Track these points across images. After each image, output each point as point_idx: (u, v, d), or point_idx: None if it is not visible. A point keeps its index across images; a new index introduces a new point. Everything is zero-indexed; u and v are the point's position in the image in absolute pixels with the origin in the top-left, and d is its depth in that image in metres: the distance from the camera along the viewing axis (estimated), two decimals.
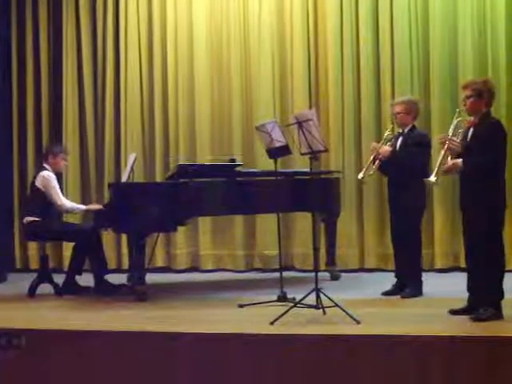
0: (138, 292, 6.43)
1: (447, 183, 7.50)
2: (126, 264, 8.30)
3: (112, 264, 8.20)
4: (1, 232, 8.38)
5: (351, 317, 5.13)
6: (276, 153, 6.17)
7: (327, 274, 7.40)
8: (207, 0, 8.57)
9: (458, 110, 5.27)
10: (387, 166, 6.22)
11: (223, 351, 4.79)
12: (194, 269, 8.52)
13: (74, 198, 7.92)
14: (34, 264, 8.57)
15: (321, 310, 5.39)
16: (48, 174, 6.98)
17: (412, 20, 8.01)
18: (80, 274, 7.03)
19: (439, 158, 5.23)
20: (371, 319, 5.23)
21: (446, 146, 5.13)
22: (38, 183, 6.96)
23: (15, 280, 8.05)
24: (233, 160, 7.12)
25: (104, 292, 6.76)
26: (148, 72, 8.74)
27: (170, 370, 4.83)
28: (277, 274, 6.42)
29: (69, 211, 7.21)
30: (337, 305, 5.33)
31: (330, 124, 8.20)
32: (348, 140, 8.14)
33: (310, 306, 5.42)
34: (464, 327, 4.95)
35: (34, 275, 7.04)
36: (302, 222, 8.01)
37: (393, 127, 6.40)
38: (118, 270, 8.26)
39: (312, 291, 5.47)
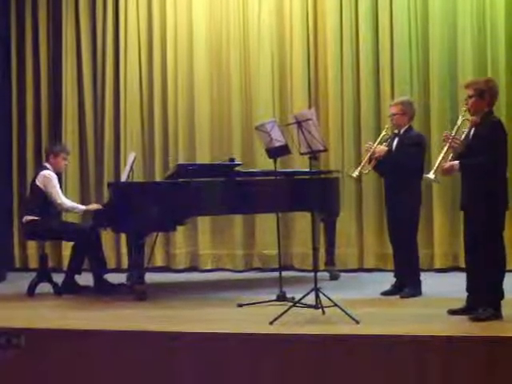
0: (137, 291, 6.43)
1: (447, 183, 7.50)
2: (125, 263, 8.30)
3: (111, 263, 8.20)
4: (0, 231, 8.37)
5: (350, 316, 5.13)
6: (275, 152, 6.17)
7: (326, 274, 7.41)
8: (207, 0, 8.57)
9: (463, 109, 5.28)
10: (383, 166, 6.24)
11: (222, 351, 4.79)
12: (193, 268, 8.52)
13: (73, 198, 7.91)
14: (34, 263, 8.57)
15: (320, 310, 5.39)
16: (49, 173, 6.98)
17: (411, 19, 8.01)
18: (79, 273, 7.03)
19: (440, 155, 5.24)
20: (370, 319, 5.23)
21: (448, 144, 5.14)
22: (39, 182, 6.96)
23: (14, 279, 8.05)
24: (232, 160, 7.13)
25: (103, 291, 6.76)
26: (147, 72, 8.74)
27: (170, 369, 4.83)
28: (276, 274, 6.42)
29: (68, 210, 7.21)
30: (336, 304, 5.33)
31: (329, 123, 8.20)
32: (347, 139, 8.15)
33: (309, 306, 5.42)
34: (463, 327, 4.95)
35: (34, 274, 7.04)
36: (302, 221, 8.02)
37: (389, 127, 6.40)
38: (118, 270, 8.26)
39: (311, 291, 5.47)
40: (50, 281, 6.91)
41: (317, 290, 5.46)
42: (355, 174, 6.22)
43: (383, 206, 6.84)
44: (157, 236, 7.59)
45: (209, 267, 8.45)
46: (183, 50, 8.63)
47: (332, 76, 8.20)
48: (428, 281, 6.46)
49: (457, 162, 5.14)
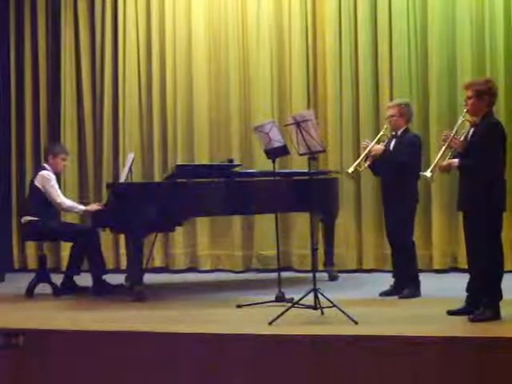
0: (136, 292, 6.43)
1: (445, 184, 7.52)
2: (124, 264, 8.30)
3: (110, 264, 8.19)
4: None
5: (349, 317, 5.13)
6: (274, 153, 6.18)
7: (325, 275, 7.41)
8: (206, 1, 8.57)
9: (465, 109, 5.28)
10: (379, 165, 6.25)
11: (221, 351, 4.79)
12: (192, 269, 8.52)
13: (72, 198, 7.87)
14: (32, 264, 8.58)
15: (319, 311, 5.40)
16: (48, 174, 6.97)
17: (410, 22, 8.01)
18: (78, 274, 7.03)
19: (439, 153, 5.25)
20: (369, 319, 5.24)
21: (447, 144, 5.15)
22: (38, 182, 6.95)
23: (13, 280, 8.04)
24: (231, 160, 7.13)
25: (102, 292, 6.76)
26: (146, 72, 8.74)
27: (168, 370, 4.83)
28: (275, 275, 6.42)
29: (67, 210, 7.21)
30: (335, 305, 5.33)
31: (328, 124, 8.20)
32: (346, 140, 8.15)
33: (308, 307, 5.42)
34: (462, 328, 4.96)
35: (32, 275, 7.04)
36: (300, 222, 8.02)
37: (387, 128, 6.41)
38: (116, 270, 8.25)
39: (310, 291, 5.47)
40: (49, 281, 6.90)
41: (316, 290, 5.46)
42: (350, 170, 6.23)
43: (381, 207, 6.84)
44: (156, 237, 7.58)
45: (208, 268, 8.45)
46: (182, 51, 8.63)
47: (331, 77, 8.21)
48: (427, 281, 6.46)
49: (455, 160, 5.14)
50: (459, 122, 5.28)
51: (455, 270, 7.59)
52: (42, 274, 6.95)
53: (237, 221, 8.34)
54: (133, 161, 7.14)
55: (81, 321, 5.65)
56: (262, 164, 7.41)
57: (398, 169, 6.13)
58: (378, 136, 6.39)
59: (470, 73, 7.69)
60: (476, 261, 5.19)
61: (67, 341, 5.07)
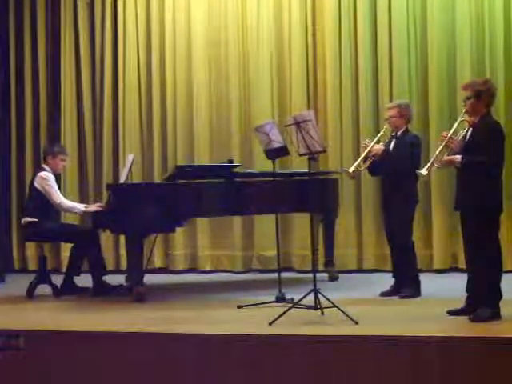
0: (136, 293, 6.42)
1: (445, 184, 7.52)
2: (124, 265, 8.30)
3: (110, 265, 8.19)
4: None
5: (349, 317, 5.13)
6: (274, 153, 6.18)
7: (325, 275, 7.41)
8: (205, 2, 8.58)
9: (464, 109, 5.29)
10: (379, 166, 6.25)
11: (222, 352, 4.79)
12: (192, 270, 8.52)
13: (72, 199, 7.90)
14: (33, 265, 8.58)
15: (319, 311, 5.39)
16: (46, 174, 6.97)
17: (410, 21, 8.02)
18: (78, 274, 7.02)
19: (436, 153, 5.26)
20: (369, 320, 5.23)
21: (444, 143, 5.15)
22: (37, 184, 6.95)
23: (13, 281, 8.05)
24: (231, 161, 7.13)
25: (102, 293, 6.76)
26: (146, 73, 8.75)
27: (169, 370, 4.82)
28: (275, 275, 6.43)
29: (67, 210, 7.21)
30: (335, 305, 5.33)
31: (328, 125, 8.21)
32: (346, 141, 8.16)
33: (308, 307, 5.42)
34: (462, 328, 4.96)
35: (33, 276, 7.03)
36: (301, 222, 8.02)
37: (387, 128, 6.41)
38: (117, 271, 8.26)
39: (310, 292, 5.46)
40: (49, 282, 6.90)
41: (316, 290, 5.46)
42: (351, 169, 6.22)
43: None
44: (156, 237, 7.59)
45: (208, 268, 8.46)
46: (182, 51, 8.64)
47: (331, 77, 8.21)
48: (427, 281, 6.47)
49: (459, 156, 5.13)
50: (457, 122, 5.29)
51: (455, 269, 7.59)
52: (43, 275, 6.94)
53: (237, 221, 8.34)
54: (133, 161, 7.13)
55: (81, 322, 5.64)
56: (262, 164, 7.41)
57: (395, 171, 6.13)
58: (378, 136, 6.39)
59: (469, 72, 7.70)
60: (475, 261, 5.19)
61: (67, 341, 5.07)
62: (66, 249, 7.95)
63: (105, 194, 7.87)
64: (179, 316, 5.77)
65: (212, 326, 5.24)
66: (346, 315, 5.16)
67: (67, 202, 7.05)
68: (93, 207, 7.08)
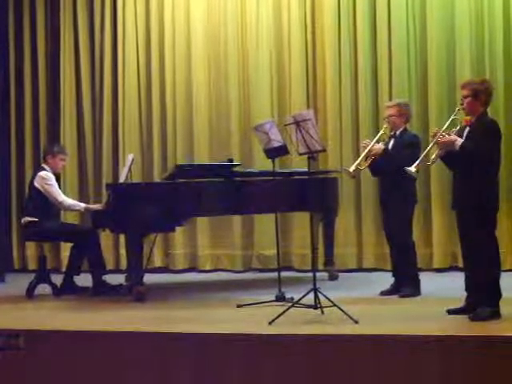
0: (136, 292, 6.42)
1: (446, 183, 7.51)
2: (124, 264, 8.30)
3: (110, 264, 8.20)
4: None
5: (349, 316, 5.13)
6: (274, 153, 6.18)
7: (325, 274, 7.41)
8: (205, 2, 8.57)
9: (458, 108, 5.29)
10: (378, 165, 6.25)
11: (222, 351, 4.79)
12: (192, 269, 8.52)
13: (72, 199, 7.90)
14: (33, 265, 8.59)
15: (319, 310, 5.39)
16: (46, 174, 6.97)
17: (409, 20, 8.02)
18: (78, 274, 7.03)
19: (426, 149, 5.30)
20: (369, 319, 5.23)
21: (435, 139, 5.16)
22: (37, 183, 6.95)
23: (13, 281, 8.05)
24: (230, 160, 7.13)
25: (102, 292, 6.76)
26: (146, 72, 8.75)
27: (169, 370, 4.83)
28: (275, 274, 6.43)
29: (69, 209, 7.21)
30: (335, 304, 5.33)
31: (327, 124, 8.21)
32: (346, 140, 8.16)
33: (308, 306, 5.42)
34: (462, 327, 4.96)
35: (32, 276, 7.04)
36: (300, 221, 8.02)
37: (387, 127, 6.41)
38: (116, 271, 8.27)
39: (310, 291, 5.46)
40: (49, 282, 6.91)
41: (316, 290, 5.46)
42: (351, 168, 6.21)
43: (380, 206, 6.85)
44: (156, 237, 7.59)
45: (208, 268, 8.46)
46: (181, 51, 8.64)
47: (330, 77, 8.21)
48: (427, 280, 6.47)
49: (459, 139, 5.11)
50: (450, 119, 5.29)
51: (455, 268, 7.58)
52: (42, 275, 6.95)
53: (237, 221, 8.34)
54: (133, 161, 7.13)
55: (81, 321, 5.64)
56: (262, 164, 7.42)
57: (394, 170, 6.13)
58: (378, 135, 6.39)
59: (469, 70, 7.70)
60: (474, 260, 5.19)
61: (67, 341, 5.07)
62: (65, 248, 7.95)
63: (104, 194, 7.86)
64: (179, 315, 5.76)
65: (212, 326, 5.24)
66: (346, 314, 5.16)
67: (68, 201, 7.05)
68: (95, 206, 7.06)
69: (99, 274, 6.87)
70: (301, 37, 8.31)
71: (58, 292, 6.84)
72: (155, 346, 4.89)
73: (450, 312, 5.32)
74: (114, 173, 8.67)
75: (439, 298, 6.06)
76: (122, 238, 8.33)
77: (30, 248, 8.71)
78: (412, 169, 5.31)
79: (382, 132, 6.42)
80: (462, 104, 5.25)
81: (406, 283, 6.25)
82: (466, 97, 5.20)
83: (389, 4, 8.05)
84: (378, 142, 6.31)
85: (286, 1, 8.37)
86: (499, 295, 5.15)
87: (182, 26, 8.64)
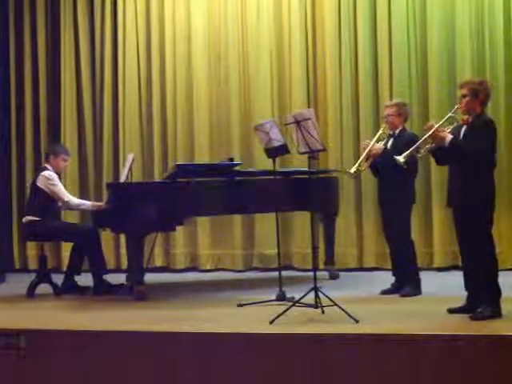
0: (136, 292, 6.43)
1: (445, 182, 7.48)
2: (124, 264, 8.30)
3: (111, 264, 8.20)
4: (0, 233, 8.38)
5: (350, 316, 5.13)
6: (274, 152, 6.18)
7: (326, 273, 7.41)
8: (205, 2, 8.57)
9: (456, 106, 5.30)
10: (379, 165, 6.26)
11: (222, 350, 4.79)
12: (192, 268, 8.53)
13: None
14: (33, 264, 8.58)
15: (319, 309, 5.39)
16: (49, 174, 6.97)
17: (410, 20, 8.02)
18: (79, 274, 7.03)
19: (419, 141, 5.34)
20: (370, 318, 5.23)
21: (429, 133, 5.16)
22: (40, 183, 6.94)
23: (14, 280, 8.05)
24: (231, 159, 7.13)
25: (103, 292, 6.76)
26: (146, 72, 8.75)
27: (170, 369, 4.83)
28: (276, 274, 6.42)
29: (75, 208, 7.21)
30: (335, 304, 5.33)
31: (328, 123, 8.21)
32: (346, 139, 8.16)
33: (308, 305, 5.43)
34: (463, 326, 4.96)
35: (33, 275, 7.04)
36: (301, 221, 8.02)
37: (386, 127, 6.42)
38: (117, 270, 8.26)
39: (311, 290, 5.47)
40: (50, 282, 6.91)
41: (316, 289, 5.47)
42: (353, 170, 6.23)
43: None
44: (156, 236, 7.59)
45: (208, 267, 8.46)
46: (182, 51, 8.64)
47: (331, 76, 8.21)
48: (427, 279, 6.47)
49: (450, 135, 5.13)
50: (446, 116, 5.31)
51: (456, 268, 7.57)
52: (43, 274, 6.95)
53: (237, 220, 8.34)
54: (133, 161, 7.13)
55: (81, 321, 5.64)
56: (262, 163, 7.42)
57: (393, 169, 6.13)
58: (377, 135, 6.40)
59: (469, 71, 7.70)
60: (471, 259, 5.19)
61: (68, 341, 5.07)
62: (66, 248, 7.95)
63: (105, 194, 7.86)
64: (179, 315, 5.76)
65: (212, 325, 5.24)
66: (347, 313, 5.16)
67: (75, 200, 7.06)
68: (100, 204, 7.04)
69: (100, 274, 6.87)
70: (301, 37, 8.30)
71: (59, 292, 6.84)
72: (156, 346, 4.89)
73: (450, 311, 5.32)
74: (114, 172, 8.67)
75: (440, 297, 6.06)
76: (122, 237, 8.33)
77: (31, 248, 8.71)
78: (401, 158, 5.33)
79: (380, 132, 6.42)
80: (460, 103, 5.26)
81: (406, 282, 6.25)
82: (464, 96, 5.22)
83: (389, 4, 8.05)
84: (377, 141, 6.32)
85: (287, 1, 8.36)
86: (499, 293, 5.15)
87: (183, 26, 8.63)
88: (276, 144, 6.11)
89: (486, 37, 7.82)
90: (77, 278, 7.00)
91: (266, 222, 8.04)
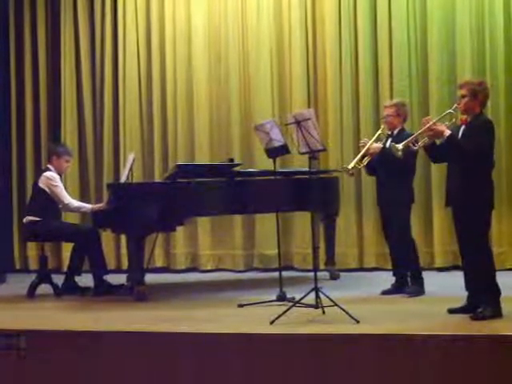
0: (137, 292, 6.43)
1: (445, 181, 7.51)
2: (125, 264, 8.31)
3: (111, 264, 8.19)
4: (0, 233, 8.37)
5: (350, 316, 5.13)
6: (275, 152, 6.18)
7: (326, 274, 7.41)
8: (206, 1, 8.57)
9: (455, 105, 5.30)
10: (376, 164, 6.25)
11: (223, 351, 4.79)
12: (193, 269, 8.52)
13: (73, 199, 7.90)
14: (34, 265, 8.58)
15: (320, 310, 5.39)
16: (51, 175, 6.97)
17: (410, 20, 8.02)
18: (79, 274, 7.03)
19: (416, 133, 5.34)
20: (370, 318, 5.23)
21: (426, 126, 5.17)
22: (42, 183, 6.95)
23: (14, 281, 8.05)
24: (231, 160, 7.13)
25: (103, 292, 6.76)
26: (146, 72, 8.74)
27: (170, 370, 4.83)
28: (276, 274, 6.42)
29: (75, 211, 7.20)
30: (336, 304, 5.33)
31: (328, 123, 8.21)
32: (346, 139, 8.15)
33: (309, 306, 5.42)
34: (464, 326, 4.96)
35: (34, 276, 7.04)
36: (301, 221, 8.02)
37: (385, 127, 6.42)
38: (118, 271, 8.26)
39: (311, 291, 5.47)
40: (51, 282, 6.91)
41: (317, 289, 5.46)
42: (350, 165, 6.21)
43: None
44: (157, 236, 7.58)
45: (209, 267, 8.46)
46: (182, 51, 8.64)
47: (331, 76, 8.21)
48: (428, 280, 6.45)
49: (448, 130, 5.14)
50: (444, 113, 5.32)
51: (457, 268, 7.56)
52: (43, 275, 6.95)
53: (238, 220, 8.34)
54: (133, 161, 7.13)
55: (82, 321, 5.64)
56: (263, 163, 7.42)
57: (392, 169, 6.13)
58: (376, 135, 6.40)
59: (469, 71, 7.69)
60: (470, 260, 5.19)
61: (68, 341, 5.07)
62: (67, 248, 7.94)
63: (105, 194, 7.86)
64: (180, 315, 5.76)
65: (213, 325, 5.24)
66: (347, 314, 5.16)
67: (74, 203, 7.06)
68: (100, 205, 7.04)
69: (100, 274, 6.87)
70: (301, 36, 8.30)
71: (60, 292, 6.84)
72: (156, 346, 4.89)
73: (451, 311, 5.32)
74: (114, 173, 8.66)
75: (440, 298, 6.06)
76: (123, 238, 8.34)
77: (31, 248, 8.71)
78: (400, 146, 5.32)
79: (379, 132, 6.42)
80: (459, 103, 5.26)
81: (411, 282, 6.24)
82: (463, 96, 5.22)
83: (389, 3, 8.05)
84: (376, 141, 6.32)
85: (287, 1, 8.36)
86: (499, 293, 5.15)
87: (183, 25, 8.63)
88: (276, 144, 6.11)
89: (487, 36, 7.82)
90: (77, 279, 7.00)
91: (266, 223, 8.04)
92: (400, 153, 5.35)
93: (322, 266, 7.50)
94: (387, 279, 6.53)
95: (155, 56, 8.71)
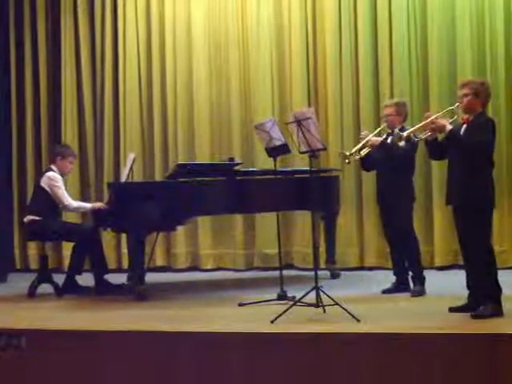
0: (137, 292, 6.43)
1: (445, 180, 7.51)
2: (125, 264, 8.30)
3: (112, 264, 8.19)
4: (1, 233, 8.37)
5: (351, 315, 5.13)
6: (275, 151, 6.17)
7: (327, 273, 7.41)
8: (206, 1, 8.57)
9: (457, 103, 5.30)
10: (376, 162, 6.25)
11: (223, 350, 4.79)
12: (193, 268, 8.52)
13: (73, 198, 7.89)
14: (34, 264, 8.58)
15: (321, 309, 5.40)
16: (53, 175, 6.97)
17: (410, 18, 8.01)
18: (80, 273, 7.03)
19: (419, 124, 5.34)
20: (371, 317, 5.23)
21: (429, 119, 5.17)
22: (44, 183, 6.95)
23: (15, 280, 8.05)
24: (232, 159, 7.13)
25: (104, 292, 6.76)
26: (147, 72, 8.74)
27: (171, 369, 4.83)
28: (277, 273, 6.42)
29: (74, 211, 7.20)
30: (337, 303, 5.33)
31: (328, 122, 8.20)
32: (347, 138, 8.14)
33: (309, 305, 5.42)
34: (465, 324, 4.95)
35: (34, 275, 7.04)
36: (302, 220, 8.02)
37: (384, 127, 6.42)
38: (118, 270, 8.26)
39: (312, 289, 5.47)
40: (51, 281, 6.91)
41: (317, 288, 5.46)
42: (347, 152, 6.21)
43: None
44: (157, 236, 7.58)
45: (209, 267, 8.46)
46: (182, 51, 8.63)
47: (331, 75, 8.21)
48: (429, 278, 6.45)
49: (449, 125, 5.15)
50: (446, 110, 5.35)
51: (457, 266, 7.58)
52: (44, 274, 6.95)
53: (238, 219, 8.34)
54: (134, 160, 7.13)
55: (83, 321, 5.65)
56: (263, 162, 7.42)
57: (392, 166, 6.13)
58: (377, 130, 6.41)
59: (470, 71, 7.69)
60: (472, 259, 5.19)
61: (69, 341, 5.07)
62: (67, 248, 7.94)
63: (106, 193, 7.86)
64: (180, 314, 5.77)
65: (213, 324, 5.24)
66: (348, 313, 5.16)
67: (74, 203, 7.05)
68: (99, 204, 7.05)
69: (101, 274, 6.88)
70: (301, 35, 8.30)
71: (60, 292, 6.84)
72: (157, 345, 4.89)
73: (451, 310, 5.32)
74: (115, 172, 8.67)
75: (441, 296, 6.06)
76: (123, 237, 8.34)
77: (32, 247, 8.72)
78: (404, 134, 5.32)
79: (380, 128, 6.44)
80: (460, 103, 5.26)
81: (414, 282, 6.24)
82: (466, 95, 5.22)
83: (389, 4, 8.04)
84: (376, 136, 6.33)
85: (287, 0, 8.36)
86: (500, 291, 5.15)
87: (183, 25, 8.63)
88: (277, 143, 6.11)
89: (487, 35, 7.81)
90: (78, 278, 6.99)
91: (266, 222, 8.03)
92: (402, 142, 5.36)
93: (322, 265, 7.50)
94: (388, 278, 6.53)
95: (155, 56, 8.71)
